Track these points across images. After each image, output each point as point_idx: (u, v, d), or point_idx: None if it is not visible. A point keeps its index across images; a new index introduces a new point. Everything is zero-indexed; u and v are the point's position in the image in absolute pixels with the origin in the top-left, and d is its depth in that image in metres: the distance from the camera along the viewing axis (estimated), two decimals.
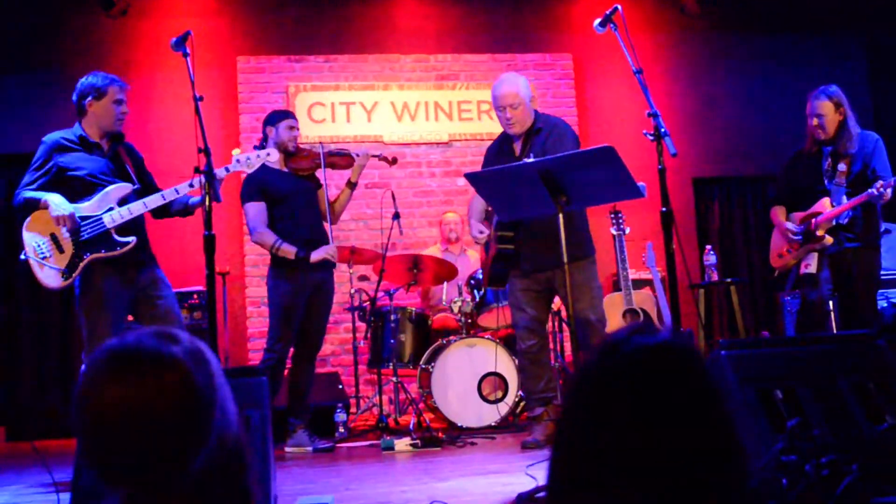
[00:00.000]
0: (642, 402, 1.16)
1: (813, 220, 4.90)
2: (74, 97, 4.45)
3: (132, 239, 4.25)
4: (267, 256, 5.26)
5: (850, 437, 2.55)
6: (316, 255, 5.05)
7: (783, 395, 2.64)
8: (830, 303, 4.97)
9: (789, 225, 5.00)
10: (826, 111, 4.90)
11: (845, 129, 4.89)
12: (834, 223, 4.84)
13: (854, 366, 2.80)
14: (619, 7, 3.89)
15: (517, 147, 4.80)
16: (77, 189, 4.25)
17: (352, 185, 5.36)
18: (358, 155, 5.33)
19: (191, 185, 4.30)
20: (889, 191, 4.67)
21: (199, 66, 4.93)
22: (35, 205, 4.18)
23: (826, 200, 4.88)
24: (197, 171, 3.98)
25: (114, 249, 4.21)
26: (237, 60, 7.56)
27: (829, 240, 4.84)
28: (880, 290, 5.94)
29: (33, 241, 4.18)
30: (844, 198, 4.81)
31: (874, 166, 4.84)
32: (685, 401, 1.17)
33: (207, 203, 3.81)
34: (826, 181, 4.93)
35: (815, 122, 4.93)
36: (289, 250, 5.02)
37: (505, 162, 4.56)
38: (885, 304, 5.86)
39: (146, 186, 4.51)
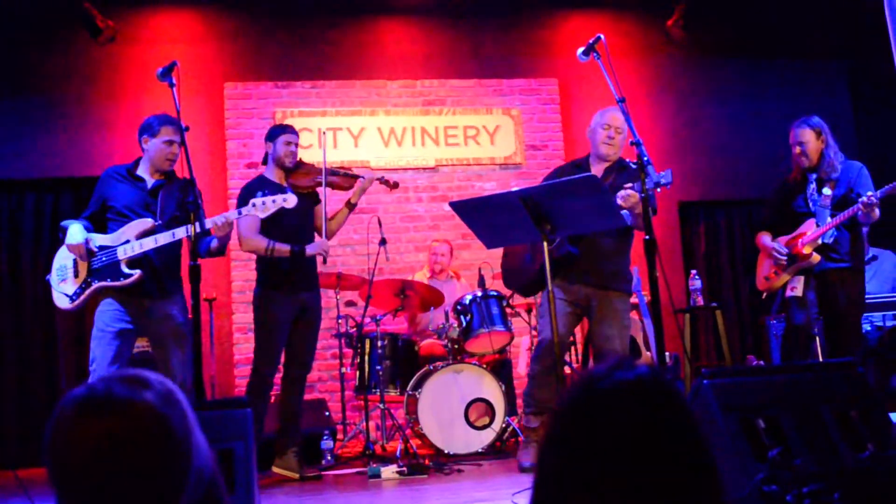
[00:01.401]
0: (620, 437, 1.17)
1: (799, 241, 4.95)
2: (137, 133, 4.67)
3: (136, 272, 4.38)
4: (254, 282, 5.24)
5: (833, 465, 2.56)
6: (311, 249, 5.07)
7: (766, 424, 2.65)
8: (816, 326, 5.00)
9: (776, 245, 5.05)
10: (808, 139, 5.01)
11: (828, 156, 5.01)
12: (820, 242, 4.88)
13: (836, 394, 2.81)
14: (602, 36, 3.92)
15: (597, 171, 4.76)
16: (112, 218, 4.51)
17: (350, 206, 5.34)
18: (363, 178, 5.31)
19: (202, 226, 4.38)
20: (876, 208, 4.70)
21: (187, 91, 4.96)
22: (65, 232, 4.46)
23: (811, 222, 4.94)
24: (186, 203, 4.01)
25: (118, 280, 4.38)
26: (224, 86, 7.58)
27: (816, 257, 4.88)
28: (865, 314, 5.97)
29: (58, 263, 4.49)
30: (829, 219, 4.87)
31: (858, 190, 4.89)
32: (663, 435, 1.18)
33: (193, 233, 3.83)
34: (811, 204, 5.00)
35: (797, 150, 5.06)
36: (283, 248, 5.02)
37: None
38: (870, 328, 5.88)
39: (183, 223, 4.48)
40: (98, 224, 4.50)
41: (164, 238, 4.36)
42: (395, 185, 5.58)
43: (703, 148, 8.33)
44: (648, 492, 1.14)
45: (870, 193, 4.69)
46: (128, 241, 4.38)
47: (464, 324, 5.91)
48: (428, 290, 6.16)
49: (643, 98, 8.17)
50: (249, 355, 6.53)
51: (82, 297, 4.39)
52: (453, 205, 4.00)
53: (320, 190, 5.29)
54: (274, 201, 4.47)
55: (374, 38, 7.96)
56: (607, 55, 3.89)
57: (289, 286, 5.08)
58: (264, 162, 5.30)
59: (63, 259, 4.47)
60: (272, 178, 5.19)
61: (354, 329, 6.11)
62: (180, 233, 4.34)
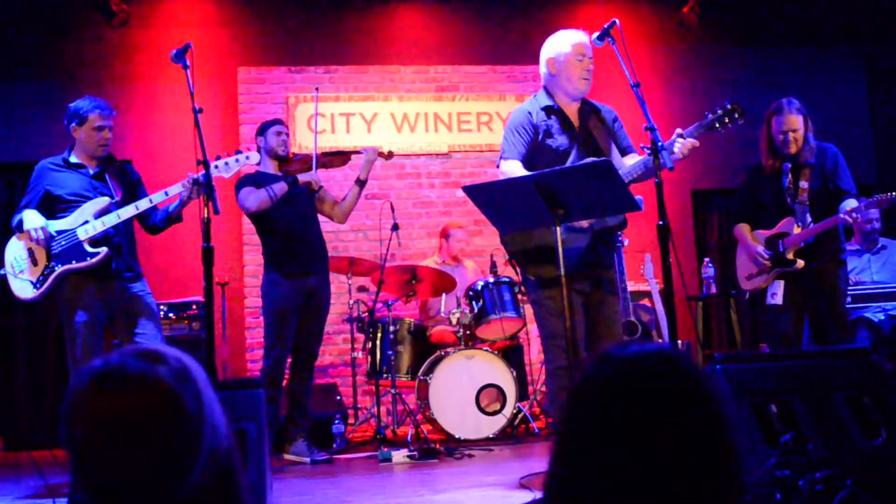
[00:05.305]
0: (637, 410, 1.17)
1: (780, 242, 4.86)
2: (64, 121, 4.53)
3: (103, 250, 4.31)
4: None
5: (845, 451, 2.56)
6: (303, 177, 5.12)
7: (778, 410, 2.64)
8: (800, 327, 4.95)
9: (760, 249, 4.92)
10: (799, 125, 4.87)
11: (807, 142, 4.88)
12: (802, 245, 4.79)
13: (849, 380, 2.81)
14: (617, 21, 3.90)
15: (572, 115, 4.10)
16: (60, 207, 4.40)
17: (360, 183, 5.38)
18: (363, 152, 5.38)
19: (165, 194, 4.38)
20: (859, 215, 4.64)
21: (200, 76, 4.95)
22: (20, 224, 4.35)
23: (791, 220, 4.84)
24: (195, 182, 4.01)
25: (84, 260, 4.29)
26: (238, 71, 7.58)
27: (800, 263, 4.78)
28: (879, 304, 5.93)
29: (11, 255, 4.35)
30: (808, 216, 4.79)
31: (838, 182, 4.82)
32: (680, 407, 1.18)
33: (206, 215, 3.83)
34: (788, 199, 4.87)
35: (790, 136, 4.87)
36: (280, 187, 5.05)
37: (559, 128, 4.07)
38: (883, 317, 5.84)
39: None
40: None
41: (127, 212, 4.32)
42: (390, 155, 5.61)
43: (716, 136, 8.16)
44: (667, 462, 1.14)
45: (850, 210, 4.61)
46: (87, 222, 4.31)
47: (475, 310, 5.91)
48: (439, 276, 6.17)
49: (657, 85, 8.13)
50: (261, 339, 6.53)
51: (46, 284, 4.27)
52: (466, 189, 3.97)
53: (321, 173, 5.37)
54: (237, 160, 4.43)
55: (388, 24, 7.94)
56: (622, 40, 3.86)
57: (296, 271, 5.12)
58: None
59: (16, 251, 4.33)
60: (268, 171, 5.28)
61: (366, 314, 6.13)
62: (143, 204, 4.33)
